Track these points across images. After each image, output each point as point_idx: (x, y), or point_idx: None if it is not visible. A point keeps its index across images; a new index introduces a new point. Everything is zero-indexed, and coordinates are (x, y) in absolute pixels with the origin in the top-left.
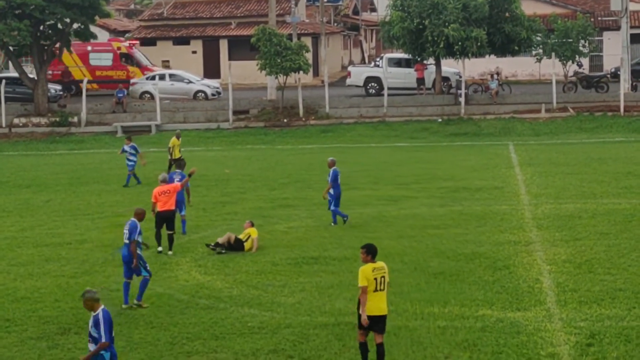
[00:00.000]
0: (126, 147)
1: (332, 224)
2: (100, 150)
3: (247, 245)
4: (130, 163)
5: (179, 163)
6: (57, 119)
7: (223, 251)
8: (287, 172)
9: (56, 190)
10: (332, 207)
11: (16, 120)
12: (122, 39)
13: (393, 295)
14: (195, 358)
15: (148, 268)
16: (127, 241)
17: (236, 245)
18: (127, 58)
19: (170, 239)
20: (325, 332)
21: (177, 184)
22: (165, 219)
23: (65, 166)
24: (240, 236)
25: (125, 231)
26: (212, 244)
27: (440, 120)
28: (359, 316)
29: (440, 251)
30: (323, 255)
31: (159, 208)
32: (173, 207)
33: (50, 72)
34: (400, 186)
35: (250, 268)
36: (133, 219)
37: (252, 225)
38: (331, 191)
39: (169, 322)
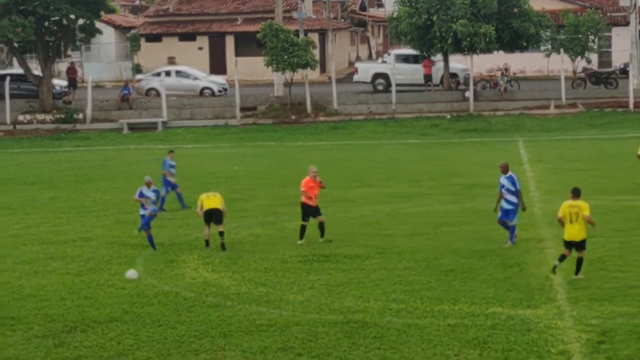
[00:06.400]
0: (170, 161)
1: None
2: (106, 147)
3: (216, 201)
4: (173, 180)
5: None
6: (62, 116)
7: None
8: (298, 169)
9: (61, 188)
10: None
11: (21, 117)
12: None
13: (403, 293)
14: (203, 356)
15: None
16: (513, 189)
17: (215, 218)
18: None
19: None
20: (334, 330)
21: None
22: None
23: (70, 163)
24: (204, 207)
25: (508, 183)
26: (207, 246)
27: (449, 116)
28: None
29: (452, 249)
30: (334, 253)
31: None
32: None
33: None
34: (413, 183)
35: (259, 265)
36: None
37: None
38: None
39: (176, 320)
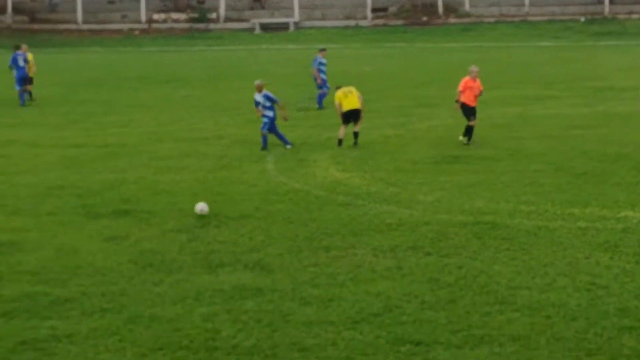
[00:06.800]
0: (321, 59)
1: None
2: (238, 47)
3: (355, 100)
4: (322, 78)
5: None
6: (196, 15)
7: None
8: (428, 70)
9: (195, 86)
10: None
11: (155, 16)
12: None
13: (533, 195)
14: (334, 253)
15: None
16: None
17: (354, 118)
18: None
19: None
20: (464, 231)
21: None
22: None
23: (203, 62)
24: (343, 107)
25: None
26: (339, 145)
27: (583, 19)
28: None
29: (584, 151)
30: (464, 155)
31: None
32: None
33: None
34: (544, 86)
35: (389, 166)
36: None
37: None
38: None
39: (307, 217)
